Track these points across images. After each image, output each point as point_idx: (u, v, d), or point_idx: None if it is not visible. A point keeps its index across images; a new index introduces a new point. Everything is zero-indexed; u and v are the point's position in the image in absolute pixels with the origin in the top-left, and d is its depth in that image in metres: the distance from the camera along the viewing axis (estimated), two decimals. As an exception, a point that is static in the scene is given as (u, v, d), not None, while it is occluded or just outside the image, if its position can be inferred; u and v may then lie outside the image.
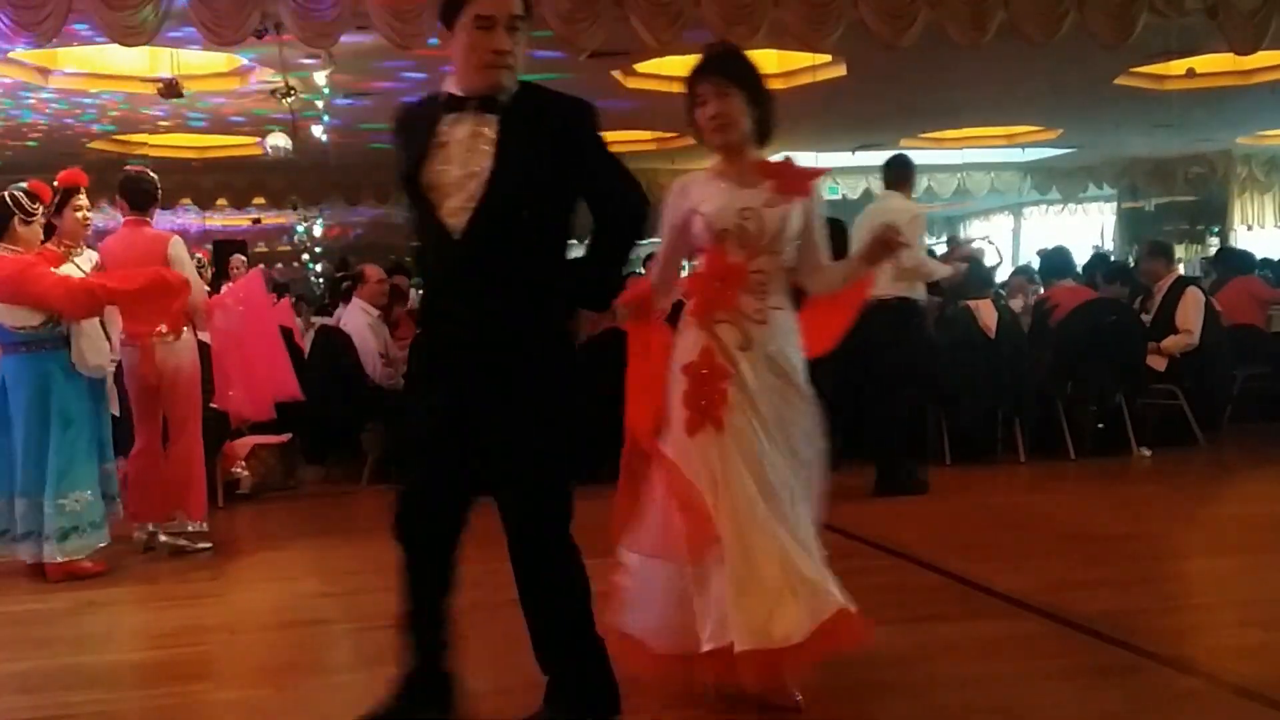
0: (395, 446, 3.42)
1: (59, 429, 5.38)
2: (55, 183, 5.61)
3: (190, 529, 5.84)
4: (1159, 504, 6.59)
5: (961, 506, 6.60)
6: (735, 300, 3.37)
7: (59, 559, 5.32)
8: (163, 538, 5.84)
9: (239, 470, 7.45)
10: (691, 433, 3.34)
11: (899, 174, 7.16)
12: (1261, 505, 6.53)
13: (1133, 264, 10.34)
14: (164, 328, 5.65)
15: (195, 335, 5.94)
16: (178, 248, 5.75)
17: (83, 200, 5.69)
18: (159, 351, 5.69)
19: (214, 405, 6.51)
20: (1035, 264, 12.85)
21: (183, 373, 5.79)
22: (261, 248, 19.14)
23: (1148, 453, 7.84)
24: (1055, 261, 9.07)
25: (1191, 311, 8.24)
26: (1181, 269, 15.96)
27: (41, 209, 5.48)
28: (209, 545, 5.88)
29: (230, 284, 7.96)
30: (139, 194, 5.86)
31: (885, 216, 7.19)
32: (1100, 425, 8.12)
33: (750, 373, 3.33)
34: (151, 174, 6.04)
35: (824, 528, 3.50)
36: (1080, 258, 11.02)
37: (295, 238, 20.00)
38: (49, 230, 5.59)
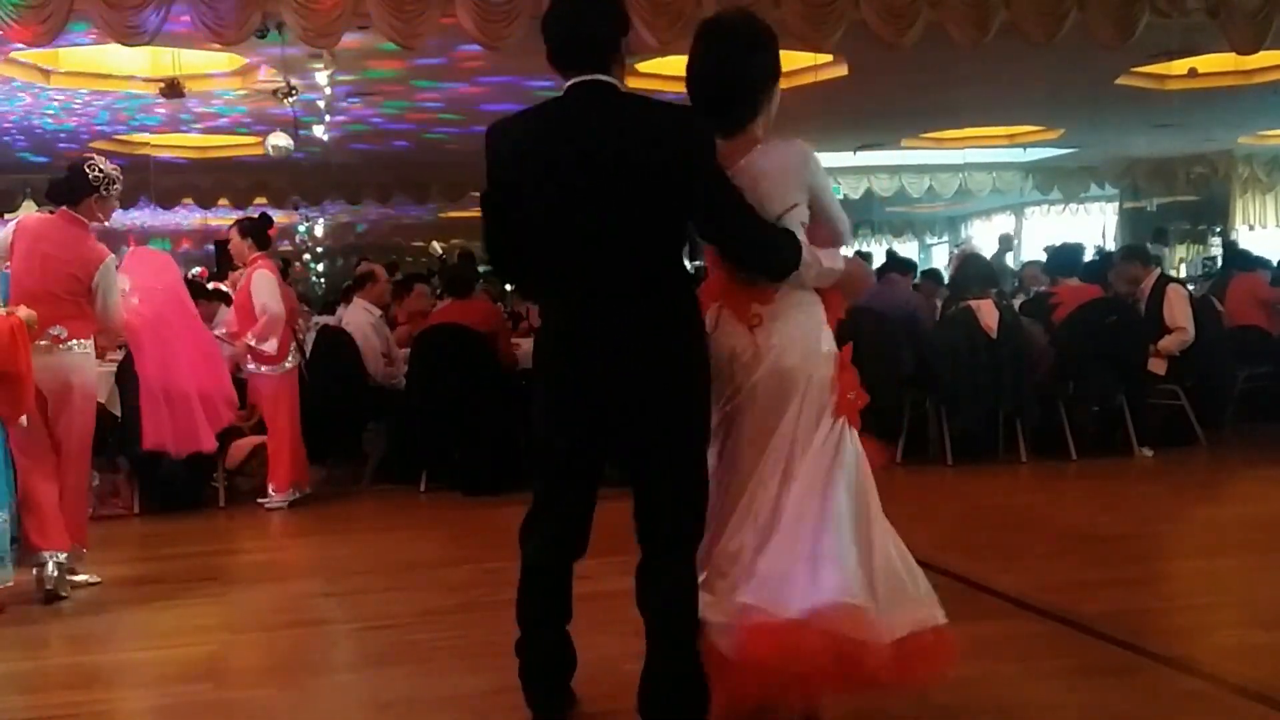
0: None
1: None
2: None
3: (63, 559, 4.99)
4: (1159, 504, 6.59)
5: (961, 506, 6.60)
6: None
7: None
8: (64, 574, 5.00)
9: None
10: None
11: None
12: (1262, 505, 6.52)
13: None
14: (64, 331, 4.94)
15: (99, 354, 5.24)
16: (106, 276, 5.03)
17: None
18: (53, 358, 4.92)
19: (144, 448, 5.74)
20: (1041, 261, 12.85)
21: (75, 390, 4.97)
22: (262, 247, 19.08)
23: (1149, 453, 7.83)
24: (1063, 258, 8.99)
25: (1178, 308, 8.19)
26: (1183, 269, 16.03)
27: None
28: (99, 580, 5.19)
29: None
30: (53, 186, 5.17)
31: None
32: (1100, 424, 8.10)
33: None
34: (89, 165, 5.09)
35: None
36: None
37: (296, 237, 20.01)
38: None
